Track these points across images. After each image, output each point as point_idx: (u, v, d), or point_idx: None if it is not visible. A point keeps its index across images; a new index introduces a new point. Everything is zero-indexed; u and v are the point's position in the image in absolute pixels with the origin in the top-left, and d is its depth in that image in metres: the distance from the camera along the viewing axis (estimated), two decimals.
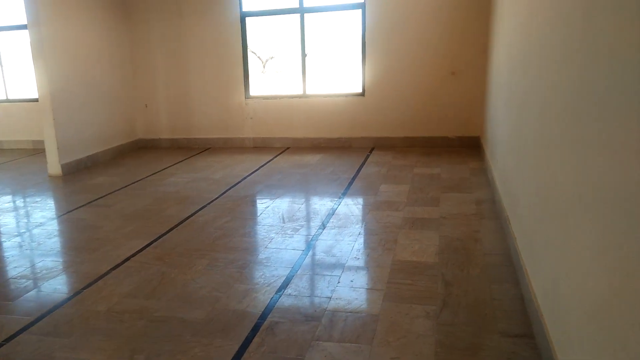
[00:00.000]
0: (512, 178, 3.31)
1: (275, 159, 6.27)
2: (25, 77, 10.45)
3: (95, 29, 6.53)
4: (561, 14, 2.08)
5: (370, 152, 6.39)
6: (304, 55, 6.75)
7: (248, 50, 7.03)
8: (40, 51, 5.65)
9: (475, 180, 4.82)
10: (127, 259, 3.38)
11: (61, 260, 3.47)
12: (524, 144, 2.88)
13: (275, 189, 4.92)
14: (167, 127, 7.44)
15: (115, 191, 5.14)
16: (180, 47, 7.05)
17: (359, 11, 6.42)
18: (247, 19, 6.87)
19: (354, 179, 5.14)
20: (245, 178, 5.42)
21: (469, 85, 6.19)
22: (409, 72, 6.34)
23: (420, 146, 6.50)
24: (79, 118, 6.24)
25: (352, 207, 4.26)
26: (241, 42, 6.87)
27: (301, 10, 6.61)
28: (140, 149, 7.45)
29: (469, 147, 6.30)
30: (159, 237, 3.76)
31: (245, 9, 6.81)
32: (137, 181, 5.52)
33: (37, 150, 7.65)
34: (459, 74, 6.19)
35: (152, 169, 6.07)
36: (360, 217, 3.95)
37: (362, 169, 5.51)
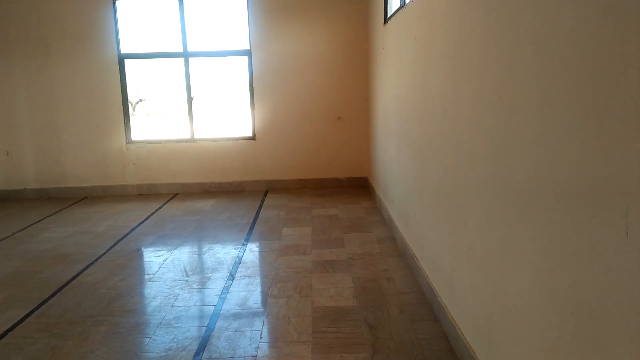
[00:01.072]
0: (415, 219, 3.49)
1: (164, 207, 5.91)
2: None
3: None
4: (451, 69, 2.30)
5: (265, 195, 6.34)
6: (190, 99, 6.56)
7: (128, 94, 6.63)
8: None
9: (371, 219, 5.01)
10: (3, 335, 2.86)
11: None
12: (427, 188, 3.07)
13: (170, 239, 4.60)
14: (33, 176, 6.63)
15: None
16: (49, 88, 6.42)
17: (245, 57, 6.46)
18: (127, 61, 6.52)
19: (254, 223, 5.02)
20: (133, 229, 5.00)
21: (355, 129, 6.51)
22: (298, 116, 6.48)
23: (312, 188, 6.62)
24: None
25: (258, 253, 4.14)
26: (120, 84, 6.47)
27: (185, 55, 6.46)
28: (2, 202, 6.51)
29: (359, 187, 6.57)
30: (41, 304, 3.27)
31: (124, 50, 6.46)
32: (3, 239, 4.78)
33: None
34: (345, 119, 6.50)
35: (18, 224, 5.32)
36: (269, 264, 3.84)
37: (260, 213, 5.42)
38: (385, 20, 4.81)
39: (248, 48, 6.41)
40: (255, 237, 4.58)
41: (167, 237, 4.67)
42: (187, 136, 6.64)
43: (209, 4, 6.44)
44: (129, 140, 6.61)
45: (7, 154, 6.56)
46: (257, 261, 3.94)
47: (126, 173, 6.65)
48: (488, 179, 2.00)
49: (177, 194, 6.59)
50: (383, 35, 4.88)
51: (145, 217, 5.44)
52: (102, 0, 6.24)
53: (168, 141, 6.64)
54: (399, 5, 4.21)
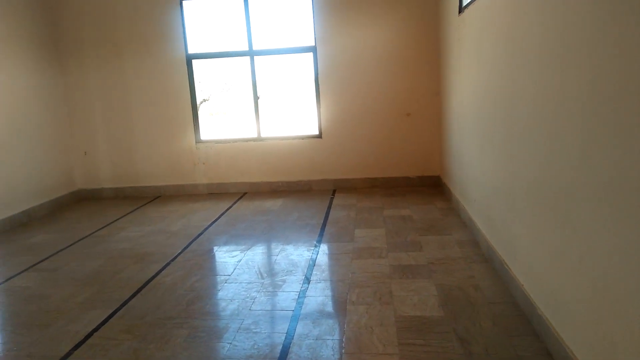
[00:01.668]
0: (504, 222, 3.23)
1: (234, 206, 5.93)
2: None
3: (22, 75, 5.98)
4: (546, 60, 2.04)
5: (333, 194, 6.23)
6: (256, 97, 6.56)
7: (196, 94, 6.73)
8: None
9: (448, 220, 4.76)
10: (89, 335, 2.92)
11: (7, 341, 2.94)
12: (519, 189, 2.82)
13: (243, 240, 4.58)
14: (110, 175, 6.89)
15: (59, 251, 4.58)
16: (121, 90, 6.63)
17: (310, 54, 6.36)
18: (194, 61, 6.61)
19: (324, 224, 4.92)
20: (206, 229, 5.04)
21: (425, 126, 6.25)
22: (365, 113, 6.31)
23: (381, 187, 6.43)
24: (9, 169, 5.60)
25: (331, 256, 4.02)
26: (188, 84, 6.57)
27: (251, 53, 6.45)
28: (82, 201, 6.82)
29: (431, 186, 6.30)
30: (123, 305, 3.31)
31: (191, 50, 6.55)
32: (84, 238, 4.97)
33: None
34: (414, 115, 6.25)
35: (98, 223, 5.52)
36: (345, 267, 3.71)
37: (330, 213, 5.31)
38: (461, 10, 4.54)
39: (313, 44, 6.31)
40: (327, 238, 4.47)
41: (239, 237, 4.66)
42: (254, 135, 6.65)
43: (273, 2, 6.40)
44: (198, 140, 6.71)
45: (85, 154, 6.85)
46: (332, 264, 3.83)
47: (196, 172, 6.75)
48: (609, 179, 1.75)
49: (245, 193, 6.61)
50: (458, 26, 4.61)
51: (216, 217, 5.48)
52: (170, 1, 6.35)
53: (236, 140, 6.67)
54: None
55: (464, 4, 4.49)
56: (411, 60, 6.12)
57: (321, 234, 4.59)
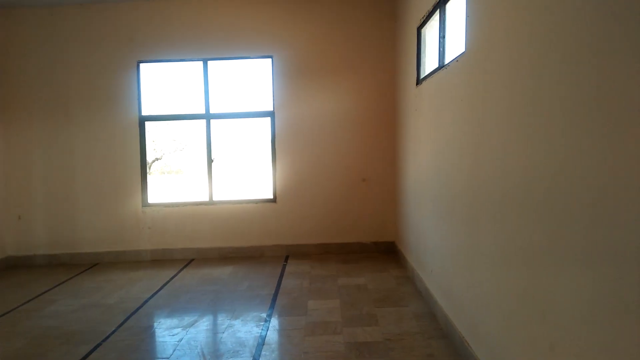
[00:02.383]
0: (464, 297, 3.09)
1: (179, 275, 5.55)
2: None
3: None
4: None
5: (286, 261, 5.96)
6: (210, 160, 6.36)
7: (147, 156, 6.47)
8: None
9: (404, 290, 4.59)
10: None
11: None
12: (481, 264, 2.70)
13: (186, 314, 4.21)
14: (45, 241, 6.36)
15: None
16: (66, 151, 6.28)
17: (268, 119, 6.30)
18: (147, 123, 6.40)
19: (276, 295, 4.63)
20: (146, 302, 4.63)
21: (380, 192, 6.21)
22: (321, 178, 6.22)
23: (335, 253, 6.24)
24: None
25: (283, 332, 3.72)
26: (139, 147, 6.32)
27: (207, 116, 6.33)
28: (10, 269, 6.21)
29: (385, 253, 6.17)
30: None
31: (145, 112, 6.36)
32: (6, 313, 4.44)
33: None
34: (370, 181, 6.21)
35: (26, 295, 4.99)
36: (296, 346, 3.42)
37: (282, 283, 5.03)
38: (419, 81, 4.62)
39: (271, 109, 6.26)
40: (278, 311, 4.18)
41: (182, 311, 4.29)
42: (206, 199, 6.39)
43: (232, 67, 6.38)
44: (145, 204, 6.37)
45: (19, 218, 6.34)
46: (283, 342, 3.53)
47: (141, 238, 6.35)
48: (581, 250, 1.65)
49: (192, 260, 6.24)
50: (415, 97, 4.67)
51: (159, 287, 5.08)
52: (127, 63, 6.21)
53: (186, 204, 6.38)
54: (436, 65, 4.02)
55: (422, 76, 4.57)
56: (368, 128, 6.15)
57: (272, 307, 4.30)
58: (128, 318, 4.18)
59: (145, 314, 4.28)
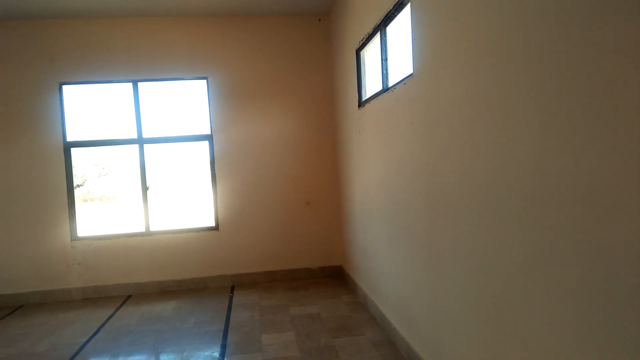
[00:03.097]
0: (428, 323, 3.08)
1: (117, 314, 5.14)
2: None
3: None
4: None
5: (232, 292, 5.72)
6: (145, 187, 6.01)
7: (74, 186, 6.00)
8: None
9: (358, 317, 4.53)
10: None
11: None
12: (448, 289, 2.70)
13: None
14: None
15: None
16: None
17: (206, 142, 6.09)
18: (73, 150, 5.95)
19: (226, 330, 4.40)
20: (82, 347, 4.23)
21: (325, 215, 6.17)
22: (264, 202, 6.08)
23: (283, 280, 6.08)
24: None
25: None
26: (65, 176, 5.85)
27: (140, 141, 6.00)
28: None
29: (333, 277, 6.11)
30: None
31: (70, 138, 5.91)
32: None
33: None
34: (314, 204, 6.15)
35: None
36: None
37: (231, 316, 4.80)
38: (361, 104, 4.65)
39: (209, 133, 6.06)
40: (231, 349, 3.96)
41: (125, 357, 3.95)
42: (142, 229, 6.02)
43: (166, 89, 6.11)
44: (74, 237, 5.88)
45: None
46: None
47: (70, 275, 5.85)
48: (555, 284, 1.66)
49: (130, 296, 5.83)
50: (359, 119, 4.69)
51: (95, 330, 4.67)
52: (48, 84, 5.75)
53: (119, 236, 5.96)
54: (379, 87, 4.05)
55: (364, 98, 4.60)
56: (309, 149, 6.11)
57: (224, 345, 4.07)
58: None
59: None
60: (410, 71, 3.16)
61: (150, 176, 6.13)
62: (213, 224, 6.12)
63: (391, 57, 3.86)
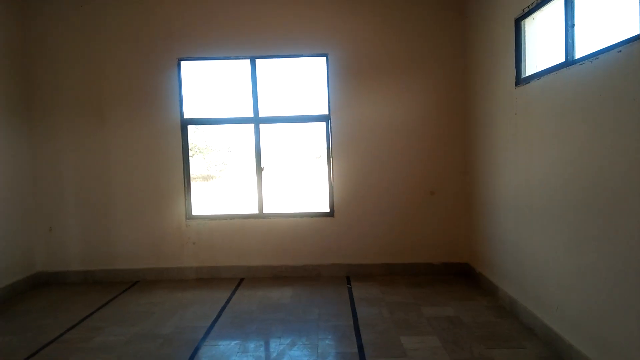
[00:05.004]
0: (629, 345, 2.48)
1: (234, 297, 4.94)
2: None
3: None
4: None
5: (349, 283, 5.34)
6: (259, 168, 5.77)
7: (190, 164, 5.87)
8: None
9: (508, 325, 3.96)
10: None
11: None
12: None
13: (262, 351, 3.60)
14: (78, 256, 5.76)
15: None
16: (101, 158, 5.68)
17: (323, 124, 5.71)
18: (190, 127, 5.81)
19: (356, 327, 4.01)
20: (208, 332, 4.02)
21: (451, 206, 5.60)
22: (384, 189, 5.62)
23: (402, 274, 5.62)
24: None
25: None
26: (182, 153, 5.72)
27: (256, 120, 5.74)
28: (41, 287, 5.60)
29: (458, 275, 5.56)
30: None
31: (187, 115, 5.77)
32: (49, 344, 3.83)
33: None
34: (439, 194, 5.61)
35: (66, 320, 4.38)
36: None
37: (358, 311, 4.41)
38: (520, 81, 4.03)
39: (327, 113, 5.68)
40: (370, 351, 3.56)
41: (256, 347, 3.67)
42: (255, 211, 5.79)
43: (283, 66, 5.80)
44: (189, 216, 5.77)
45: (50, 230, 5.74)
46: None
47: (184, 254, 5.75)
48: None
49: (242, 279, 5.63)
50: (516, 99, 4.07)
51: (216, 313, 4.47)
52: (166, 60, 5.63)
53: (233, 217, 5.77)
54: (558, 61, 3.42)
55: (524, 74, 3.98)
56: (438, 134, 5.56)
57: (360, 344, 3.67)
58: (194, 353, 3.57)
59: (214, 349, 3.66)
60: (637, 32, 2.53)
61: (265, 157, 5.87)
62: (327, 210, 5.76)
63: (580, 24, 3.22)
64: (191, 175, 5.89)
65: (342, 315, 4.34)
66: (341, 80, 5.60)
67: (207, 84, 6.02)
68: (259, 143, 5.75)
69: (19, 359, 3.54)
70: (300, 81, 6.00)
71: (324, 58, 5.69)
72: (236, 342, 3.80)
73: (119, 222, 5.73)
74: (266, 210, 5.80)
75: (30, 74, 5.64)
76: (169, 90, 5.66)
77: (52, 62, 5.65)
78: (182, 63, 5.73)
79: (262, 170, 5.80)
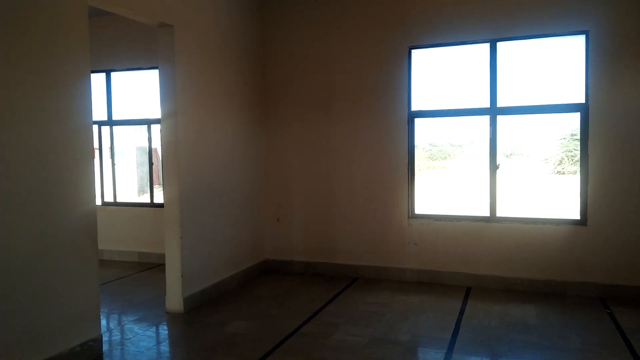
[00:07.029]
0: None
1: (467, 310, 4.43)
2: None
3: (231, 126, 5.34)
4: None
5: (608, 308, 4.39)
6: (494, 166, 5.13)
7: (415, 158, 5.52)
8: (174, 147, 4.42)
9: None
10: None
11: None
12: None
13: None
14: (301, 247, 5.89)
15: (266, 356, 3.47)
16: (326, 151, 5.69)
17: (577, 114, 4.82)
18: (417, 120, 5.46)
19: None
20: (451, 346, 3.59)
21: None
22: None
23: None
24: (206, 234, 4.83)
25: None
26: (407, 147, 5.41)
27: (493, 112, 5.12)
28: (268, 274, 5.87)
29: None
30: None
31: (414, 107, 5.43)
32: (289, 336, 3.83)
33: (142, 265, 6.33)
34: None
35: (299, 312, 4.40)
36: None
37: (636, 347, 3.51)
38: None
39: (583, 102, 4.77)
40: None
41: None
42: (486, 214, 5.18)
43: (525, 49, 5.07)
44: (412, 215, 5.44)
45: (278, 220, 5.98)
46: None
47: (405, 254, 5.44)
48: None
49: (469, 288, 5.08)
50: None
51: (453, 325, 4.02)
52: (396, 49, 5.36)
53: (460, 218, 5.26)
54: None
55: None
56: None
57: None
58: None
59: None
60: None
61: (500, 153, 5.21)
62: (578, 217, 4.85)
63: None
64: (415, 173, 5.53)
65: (613, 347, 3.50)
66: (605, 62, 4.65)
67: (434, 74, 5.61)
68: (495, 137, 5.12)
69: (266, 351, 3.56)
70: (546, 66, 5.18)
71: (583, 36, 4.79)
72: (482, 358, 3.30)
73: (342, 216, 5.68)
74: (499, 213, 5.15)
75: (265, 68, 5.93)
76: (398, 80, 5.40)
77: (281, 54, 5.84)
78: (413, 51, 5.42)
79: (498, 167, 5.16)
